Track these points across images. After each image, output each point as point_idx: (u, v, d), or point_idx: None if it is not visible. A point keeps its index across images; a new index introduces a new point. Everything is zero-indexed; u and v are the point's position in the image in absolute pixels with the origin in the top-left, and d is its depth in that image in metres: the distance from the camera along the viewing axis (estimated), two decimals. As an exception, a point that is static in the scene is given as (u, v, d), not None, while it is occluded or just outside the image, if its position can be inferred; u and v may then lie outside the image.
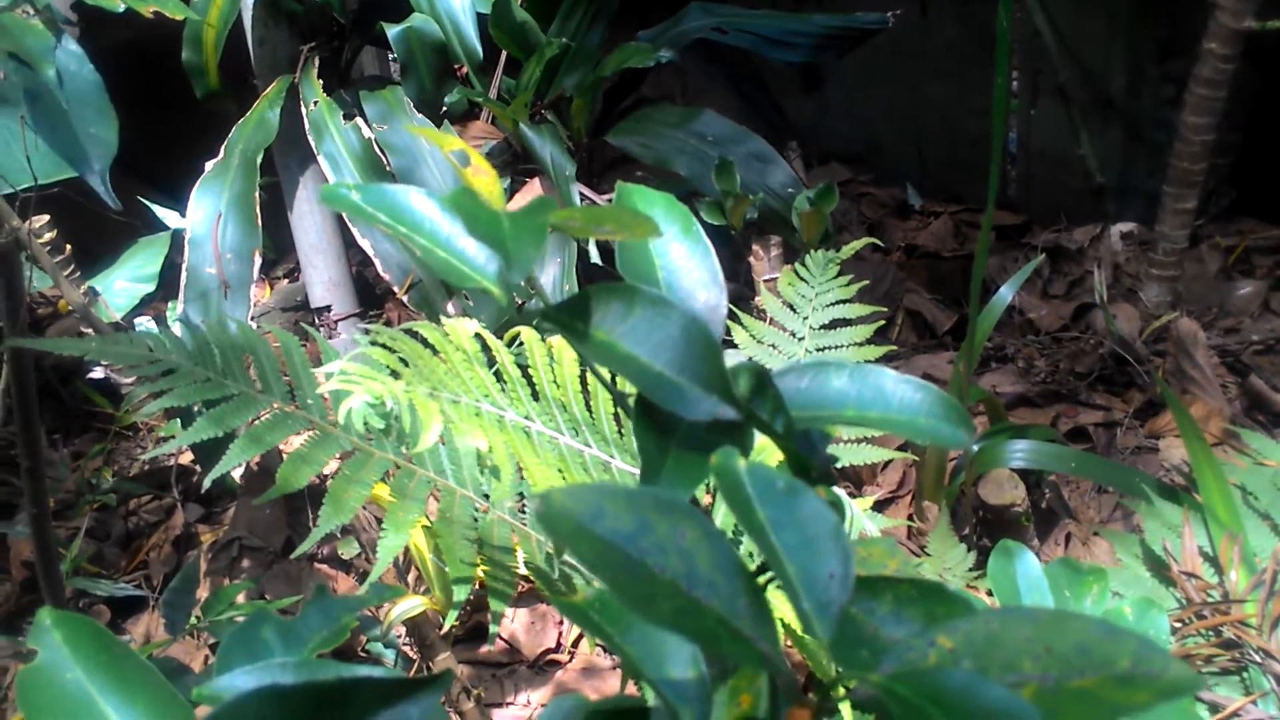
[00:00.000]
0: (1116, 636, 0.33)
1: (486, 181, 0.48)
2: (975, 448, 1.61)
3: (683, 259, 0.54)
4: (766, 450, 0.93)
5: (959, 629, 0.35)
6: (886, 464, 1.84)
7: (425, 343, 1.07)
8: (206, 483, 1.21)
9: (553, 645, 1.72)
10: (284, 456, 1.90)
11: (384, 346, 1.04)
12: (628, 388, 0.99)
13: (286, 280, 2.73)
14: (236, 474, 1.96)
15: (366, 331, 2.21)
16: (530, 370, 1.11)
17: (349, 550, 1.83)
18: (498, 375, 1.10)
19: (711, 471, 0.38)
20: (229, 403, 1.17)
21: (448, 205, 0.49)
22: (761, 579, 0.42)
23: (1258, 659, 1.10)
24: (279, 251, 2.72)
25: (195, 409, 1.20)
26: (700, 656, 0.41)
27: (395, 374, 1.02)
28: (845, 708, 0.75)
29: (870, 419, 0.51)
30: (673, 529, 0.35)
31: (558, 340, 1.13)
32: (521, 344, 1.13)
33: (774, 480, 0.38)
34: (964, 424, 0.53)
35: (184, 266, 1.80)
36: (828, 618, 0.35)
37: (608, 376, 0.54)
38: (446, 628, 1.21)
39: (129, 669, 0.62)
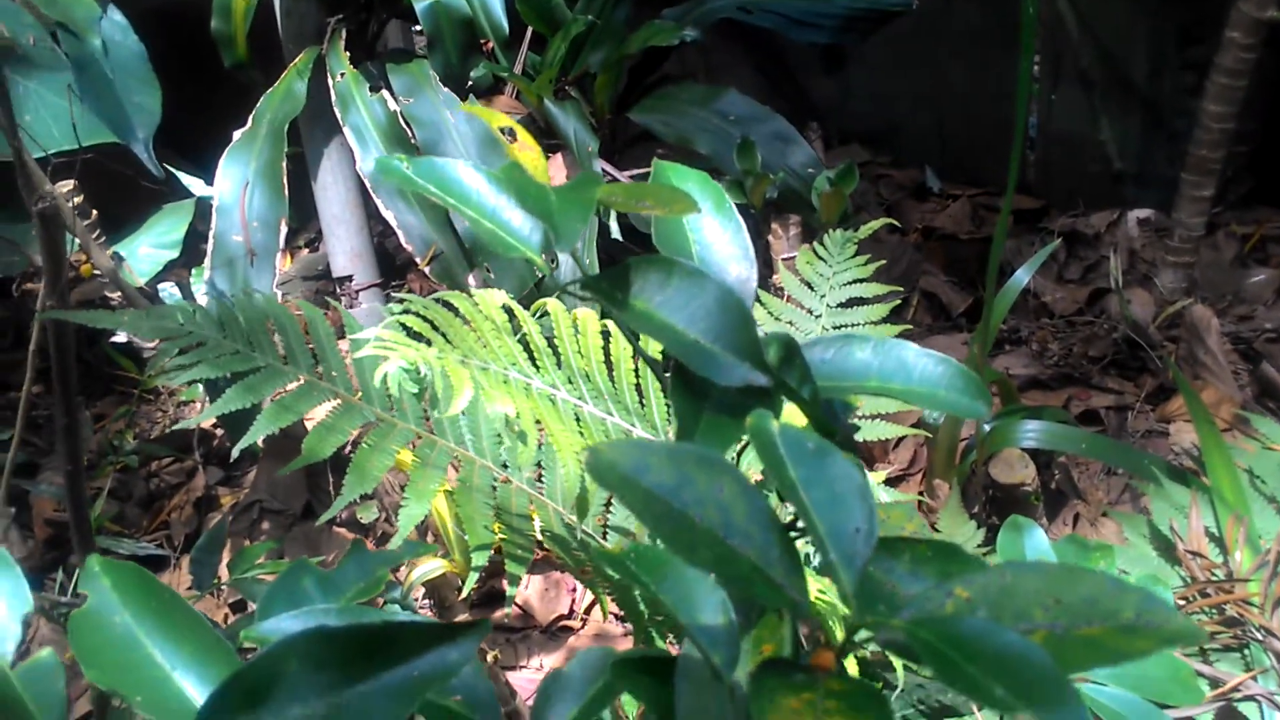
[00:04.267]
0: (1122, 590, 0.36)
1: (532, 156, 0.51)
2: (987, 427, 1.64)
3: (716, 234, 0.57)
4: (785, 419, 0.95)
5: (975, 581, 0.38)
6: (898, 442, 1.87)
7: (456, 312, 1.10)
8: (235, 451, 1.24)
9: (565, 612, 1.75)
10: (305, 423, 1.93)
11: (417, 314, 1.07)
12: (651, 348, 1.02)
13: (307, 250, 2.75)
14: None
15: (388, 301, 2.24)
16: (555, 341, 1.14)
17: (368, 515, 1.87)
18: (524, 345, 1.13)
19: (747, 432, 0.41)
20: (258, 374, 1.19)
21: (495, 179, 0.51)
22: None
23: (1259, 636, 1.12)
24: (301, 221, 2.74)
25: (223, 376, 1.23)
26: (729, 605, 0.44)
27: (427, 341, 1.05)
28: (849, 662, 0.77)
29: (892, 390, 0.54)
30: (711, 483, 0.38)
31: (582, 312, 1.15)
32: (547, 316, 1.15)
33: (804, 441, 0.40)
34: (982, 397, 0.55)
35: (211, 234, 1.82)
36: (853, 569, 0.38)
37: (651, 350, 0.57)
38: (466, 591, 1.24)
39: (175, 614, 0.64)
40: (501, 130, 0.44)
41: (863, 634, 0.40)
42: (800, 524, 0.42)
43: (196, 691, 0.63)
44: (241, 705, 0.48)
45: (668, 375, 0.50)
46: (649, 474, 0.37)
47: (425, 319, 1.08)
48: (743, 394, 0.47)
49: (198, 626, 0.65)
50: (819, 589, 0.90)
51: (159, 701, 0.62)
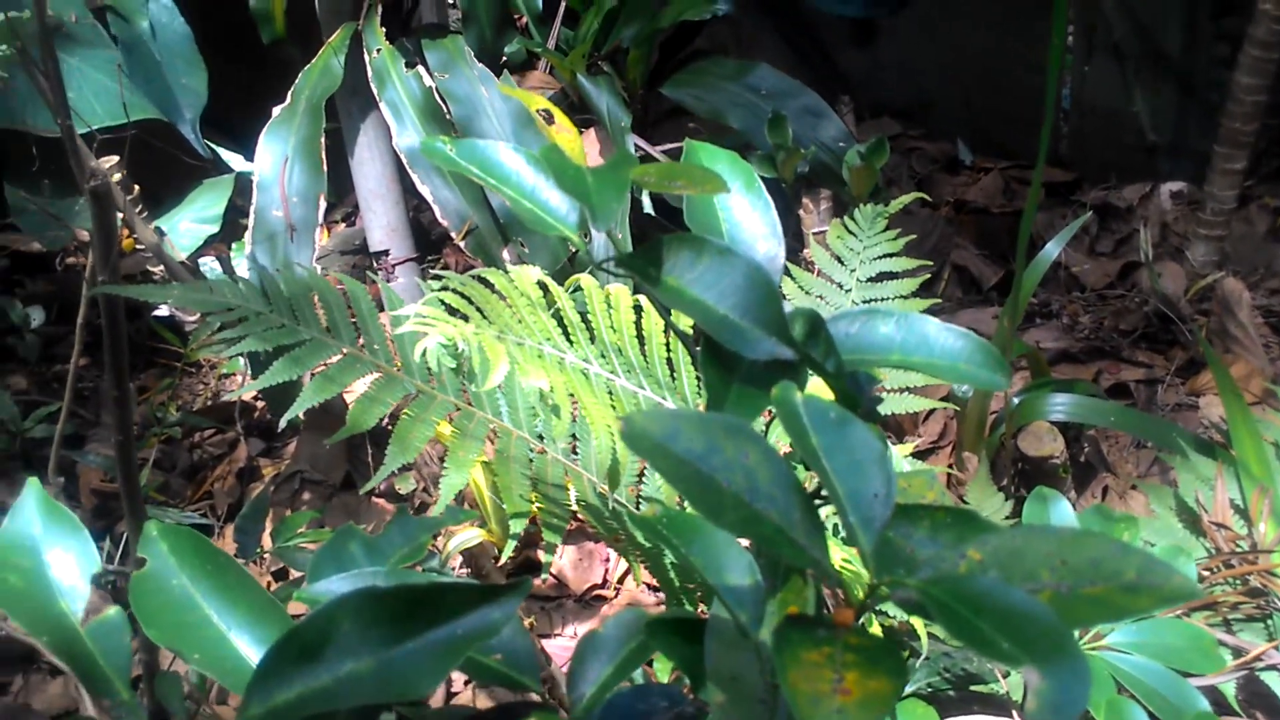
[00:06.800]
0: (1125, 553, 0.38)
1: (569, 138, 0.53)
2: (1016, 400, 1.65)
3: (745, 213, 0.59)
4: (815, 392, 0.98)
5: (987, 544, 0.40)
6: (928, 415, 1.89)
7: (492, 288, 1.13)
8: (283, 422, 1.28)
9: (599, 581, 1.79)
10: (344, 397, 1.97)
11: (455, 291, 1.10)
12: (682, 322, 1.03)
13: (344, 225, 2.79)
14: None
15: (424, 275, 2.27)
16: (589, 317, 1.16)
17: (406, 486, 1.91)
18: (559, 320, 1.16)
19: (772, 402, 0.43)
20: (303, 347, 1.23)
21: (534, 160, 0.54)
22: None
23: (1283, 608, 1.14)
24: (338, 196, 2.77)
25: (266, 350, 1.26)
26: (755, 566, 0.46)
27: (465, 317, 1.08)
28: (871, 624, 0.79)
29: (914, 363, 0.56)
30: (738, 450, 0.40)
31: (615, 288, 1.18)
32: (580, 291, 1.18)
33: (827, 411, 0.43)
34: (1002, 370, 0.57)
35: (252, 209, 1.86)
36: (871, 531, 0.40)
37: (682, 324, 0.59)
38: (504, 559, 1.28)
39: (230, 576, 0.67)
40: (539, 112, 0.46)
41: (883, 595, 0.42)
42: (824, 492, 0.45)
43: (251, 650, 0.66)
44: (297, 659, 0.51)
45: (698, 349, 0.52)
46: (679, 440, 0.39)
47: (463, 295, 1.11)
48: (770, 367, 0.49)
49: (251, 589, 0.68)
50: (844, 557, 0.93)
51: (215, 660, 0.65)
